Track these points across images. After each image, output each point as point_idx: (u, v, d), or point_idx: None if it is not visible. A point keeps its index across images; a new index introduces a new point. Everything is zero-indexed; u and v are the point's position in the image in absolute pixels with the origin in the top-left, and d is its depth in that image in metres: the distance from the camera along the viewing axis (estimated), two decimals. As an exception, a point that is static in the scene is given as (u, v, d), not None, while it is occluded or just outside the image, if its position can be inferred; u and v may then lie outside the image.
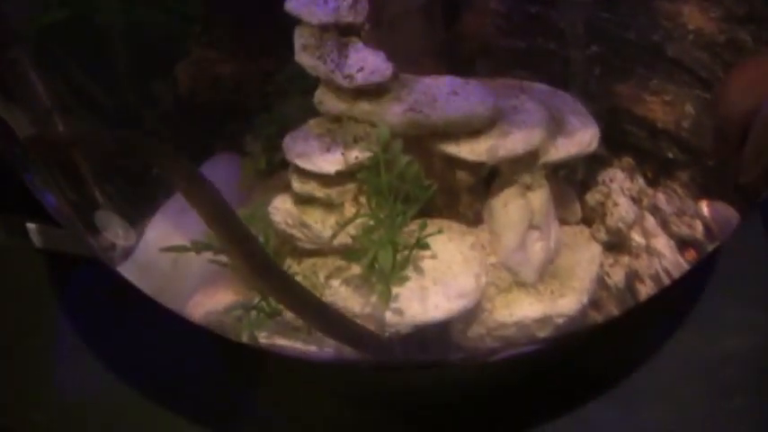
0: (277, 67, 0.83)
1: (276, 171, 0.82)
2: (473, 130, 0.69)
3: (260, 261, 0.68)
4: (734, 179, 0.77)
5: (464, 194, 0.75)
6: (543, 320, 0.72)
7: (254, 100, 0.85)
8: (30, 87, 0.75)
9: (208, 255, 0.71)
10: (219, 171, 0.87)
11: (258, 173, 0.82)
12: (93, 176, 0.78)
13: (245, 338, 0.71)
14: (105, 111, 0.84)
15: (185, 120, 0.87)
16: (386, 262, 0.65)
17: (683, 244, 0.82)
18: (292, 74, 0.76)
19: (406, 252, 0.67)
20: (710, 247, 0.78)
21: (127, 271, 0.78)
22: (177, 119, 0.87)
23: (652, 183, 0.84)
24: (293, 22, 0.71)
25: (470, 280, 0.70)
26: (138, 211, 0.83)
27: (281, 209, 0.71)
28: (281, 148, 0.73)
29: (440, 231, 0.68)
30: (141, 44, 0.84)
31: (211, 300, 0.77)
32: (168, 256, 0.75)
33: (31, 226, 0.91)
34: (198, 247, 0.70)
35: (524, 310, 0.72)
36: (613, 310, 0.77)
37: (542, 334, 0.72)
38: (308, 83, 0.72)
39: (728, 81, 0.77)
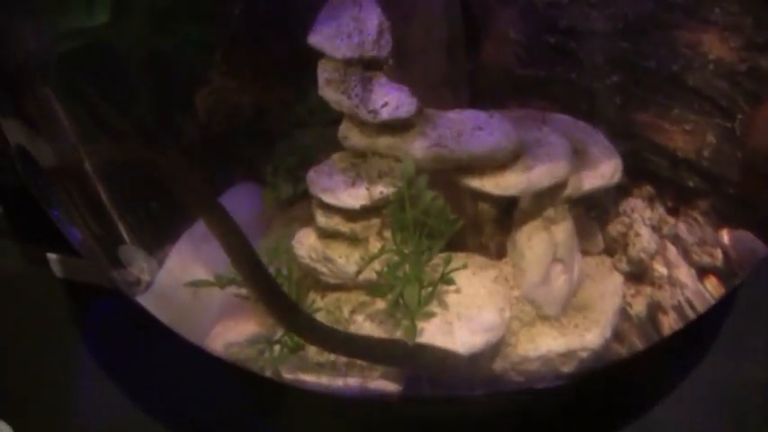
0: (297, 98, 0.84)
1: (297, 201, 0.82)
2: (498, 164, 0.69)
3: (268, 289, 0.68)
4: (762, 211, 0.77)
5: (487, 226, 0.75)
6: (567, 355, 0.72)
7: (274, 130, 0.86)
8: (54, 119, 0.75)
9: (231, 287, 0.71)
10: (240, 201, 0.87)
11: (279, 203, 0.82)
12: (115, 207, 0.78)
13: (268, 373, 0.71)
14: (126, 139, 0.84)
15: (205, 148, 0.87)
16: (412, 298, 0.65)
17: (703, 271, 0.81)
18: (313, 105, 0.76)
19: (431, 288, 0.66)
20: (738, 278, 0.78)
21: (147, 301, 0.78)
22: (197, 147, 0.87)
23: (672, 211, 0.83)
24: (314, 53, 0.70)
25: (494, 314, 0.69)
26: (158, 240, 0.83)
27: (305, 243, 0.71)
28: (302, 178, 0.73)
29: (464, 266, 0.68)
30: (162, 73, 0.84)
31: (232, 331, 0.77)
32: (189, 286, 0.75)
33: (51, 256, 0.91)
34: (222, 282, 0.70)
35: (548, 344, 0.72)
36: (635, 340, 0.77)
37: (566, 368, 0.72)
38: (329, 115, 0.72)
39: (758, 114, 0.77)
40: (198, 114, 0.87)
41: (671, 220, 0.83)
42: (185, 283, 0.72)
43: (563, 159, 0.70)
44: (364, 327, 0.69)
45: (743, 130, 0.78)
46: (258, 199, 0.85)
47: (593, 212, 0.80)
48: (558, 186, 0.71)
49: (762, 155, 0.76)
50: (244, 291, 0.72)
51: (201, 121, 0.87)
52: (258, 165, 0.86)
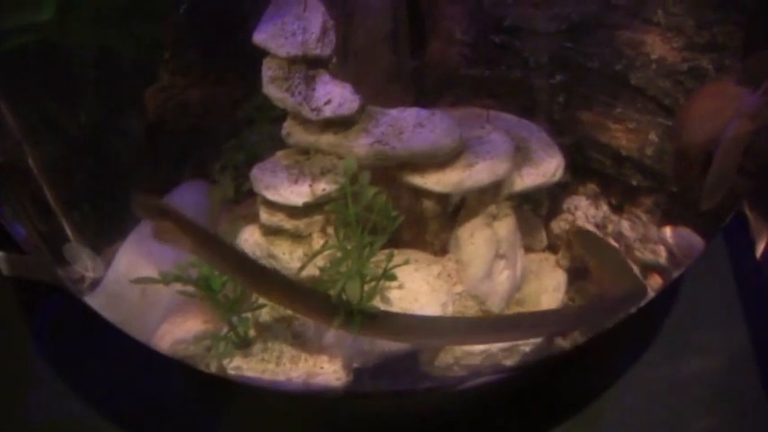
0: (246, 95, 0.84)
1: (244, 199, 0.82)
2: (439, 161, 0.70)
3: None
4: (697, 205, 0.79)
5: (431, 223, 0.76)
6: (510, 349, 0.73)
7: (223, 127, 0.86)
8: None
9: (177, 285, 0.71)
10: (188, 198, 0.87)
11: (226, 201, 0.83)
12: (61, 206, 0.78)
13: (213, 369, 0.71)
14: (73, 136, 0.84)
15: (154, 146, 0.87)
16: (353, 294, 0.65)
17: (646, 269, 0.83)
18: (260, 102, 0.76)
19: (374, 283, 0.67)
20: (676, 273, 0.79)
21: (95, 300, 0.78)
22: (145, 145, 0.87)
23: (616, 209, 0.85)
24: (261, 50, 0.71)
25: (437, 309, 0.70)
26: (105, 239, 0.83)
27: (250, 240, 0.72)
28: (248, 176, 0.73)
29: (406, 262, 0.69)
30: (109, 70, 0.84)
31: (180, 328, 0.77)
32: (137, 284, 0.75)
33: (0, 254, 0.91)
34: (167, 279, 0.70)
35: (491, 337, 0.72)
36: (578, 335, 0.78)
37: (509, 362, 0.73)
38: (276, 111, 0.72)
39: (688, 107, 0.78)
40: (146, 112, 0.87)
41: (615, 217, 0.84)
42: (132, 279, 0.71)
43: (504, 157, 0.71)
44: (308, 322, 0.69)
45: (675, 123, 0.79)
46: (206, 196, 0.85)
47: (536, 209, 0.81)
48: (500, 184, 0.72)
49: (693, 148, 0.77)
50: (190, 288, 0.72)
51: (150, 118, 0.87)
52: (206, 162, 0.86)
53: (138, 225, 0.84)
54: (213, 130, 0.86)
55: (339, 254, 0.67)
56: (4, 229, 0.78)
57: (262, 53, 0.70)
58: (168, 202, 0.70)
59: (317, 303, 0.66)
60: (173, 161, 0.88)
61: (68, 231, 0.78)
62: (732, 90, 0.77)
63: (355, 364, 0.70)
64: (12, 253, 0.91)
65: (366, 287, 0.67)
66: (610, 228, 0.84)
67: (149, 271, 0.77)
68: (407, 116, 0.70)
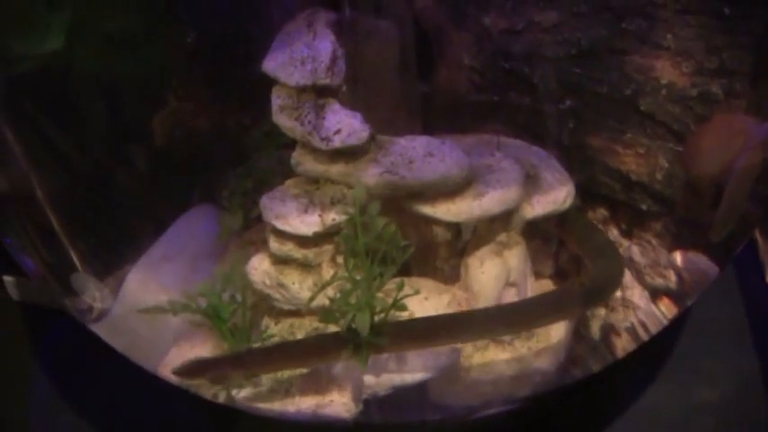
0: (254, 120, 0.84)
1: (253, 224, 0.82)
2: (449, 190, 0.69)
3: None
4: (707, 235, 0.78)
5: (441, 249, 0.75)
6: (520, 378, 0.72)
7: (231, 152, 0.86)
8: (5, 145, 0.75)
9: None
10: (197, 223, 0.88)
11: (235, 227, 0.83)
12: (68, 236, 0.78)
13: (222, 399, 0.71)
14: (82, 163, 0.84)
15: (162, 170, 0.87)
16: (363, 325, 0.65)
17: (655, 293, 0.82)
18: (269, 128, 0.76)
19: (383, 314, 0.67)
20: (689, 301, 0.79)
21: (102, 328, 0.78)
22: (154, 169, 0.87)
23: (626, 234, 0.84)
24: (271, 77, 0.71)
25: (447, 339, 0.70)
26: (113, 266, 0.83)
27: (259, 269, 0.72)
28: (257, 202, 0.73)
29: (417, 291, 0.69)
30: (119, 95, 0.84)
31: (189, 355, 0.76)
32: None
33: (8, 279, 0.91)
34: (175, 309, 0.70)
35: (501, 367, 0.72)
36: (589, 362, 0.78)
37: (520, 392, 0.72)
38: (285, 138, 0.72)
39: (697, 140, 0.78)
40: (156, 137, 0.87)
41: (625, 242, 0.84)
42: (139, 309, 0.71)
43: (515, 186, 0.71)
44: (317, 353, 0.69)
45: (684, 153, 0.79)
46: (214, 220, 0.85)
47: (545, 235, 0.80)
48: (510, 212, 0.72)
49: (704, 180, 0.77)
50: (198, 317, 0.72)
51: (158, 144, 0.87)
52: (215, 187, 0.86)
53: (148, 251, 0.84)
54: (221, 155, 0.86)
55: (348, 285, 0.67)
56: (10, 254, 0.78)
57: (270, 79, 0.70)
58: (200, 357, 0.71)
59: (328, 343, 0.67)
60: (182, 185, 0.88)
61: (76, 261, 0.78)
62: (741, 121, 0.76)
63: (364, 396, 0.70)
64: (20, 277, 0.91)
65: (376, 318, 0.66)
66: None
67: (158, 297, 0.77)
68: (417, 145, 0.70)
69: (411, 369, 0.69)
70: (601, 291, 0.74)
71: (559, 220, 0.78)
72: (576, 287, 0.78)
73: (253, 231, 0.82)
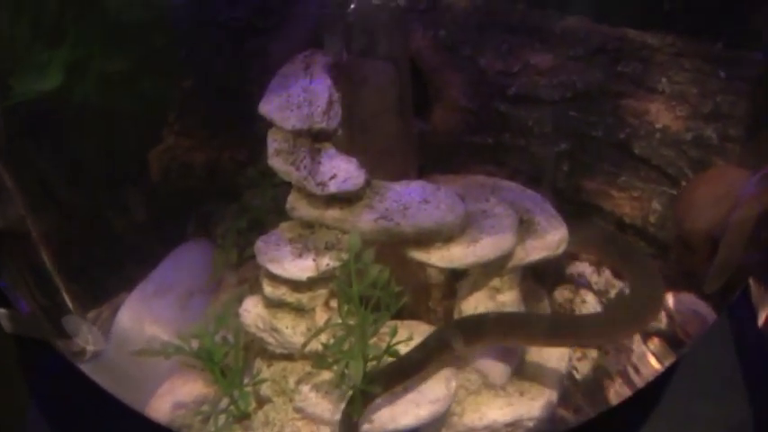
0: (250, 157, 0.84)
1: (246, 261, 0.82)
2: (443, 237, 0.69)
3: None
4: (699, 286, 0.79)
5: (434, 291, 0.76)
6: (513, 423, 0.72)
7: (226, 189, 0.86)
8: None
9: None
10: (191, 257, 0.88)
11: (229, 265, 0.83)
12: (61, 277, 0.78)
13: (214, 438, 0.71)
14: (76, 199, 0.84)
15: (157, 205, 0.88)
16: (357, 373, 0.65)
17: (647, 334, 0.83)
18: (264, 167, 0.76)
19: (376, 362, 0.67)
20: (685, 348, 0.79)
21: (93, 367, 0.78)
22: (149, 204, 0.87)
23: (619, 275, 0.85)
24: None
25: (440, 385, 0.70)
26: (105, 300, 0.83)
27: (252, 312, 0.72)
28: (251, 240, 0.73)
29: (410, 338, 0.69)
30: (115, 131, 0.84)
31: (181, 390, 0.77)
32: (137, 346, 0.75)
33: (1, 311, 0.90)
34: (168, 352, 0.70)
35: (494, 413, 0.72)
36: (582, 405, 0.78)
37: (512, 438, 0.72)
38: (280, 177, 0.72)
39: (689, 195, 0.79)
40: (151, 172, 0.87)
41: (618, 283, 0.84)
42: (131, 352, 0.71)
43: (509, 232, 0.71)
44: (309, 397, 0.69)
45: (676, 211, 0.79)
46: (208, 254, 0.85)
47: (539, 278, 0.81)
48: (504, 258, 0.72)
49: (696, 235, 0.78)
50: (191, 359, 0.71)
51: (154, 179, 0.87)
52: (210, 222, 0.86)
53: (141, 285, 0.84)
54: (216, 192, 0.86)
55: (342, 332, 0.67)
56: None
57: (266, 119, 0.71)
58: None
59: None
60: (176, 220, 0.88)
61: (68, 303, 0.78)
62: (733, 174, 0.77)
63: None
64: (13, 310, 0.91)
65: (369, 365, 0.66)
66: (612, 294, 0.83)
67: (151, 332, 0.77)
68: (412, 192, 0.70)
69: (403, 415, 0.68)
70: (644, 306, 0.75)
71: (598, 242, 0.78)
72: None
73: (247, 268, 0.82)
